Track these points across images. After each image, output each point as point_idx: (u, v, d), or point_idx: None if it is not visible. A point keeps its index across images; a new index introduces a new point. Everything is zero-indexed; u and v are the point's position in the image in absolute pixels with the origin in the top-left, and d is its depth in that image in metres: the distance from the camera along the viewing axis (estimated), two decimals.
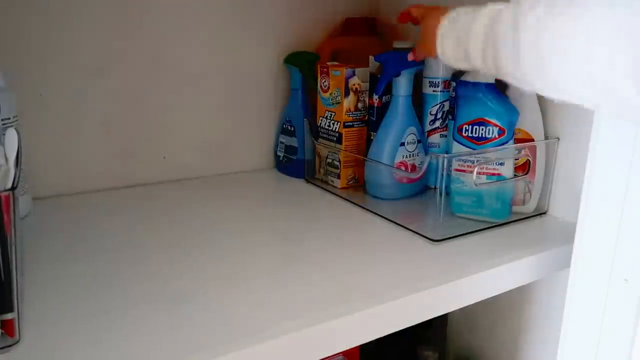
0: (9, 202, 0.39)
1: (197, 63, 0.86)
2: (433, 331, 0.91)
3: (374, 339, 0.50)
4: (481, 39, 0.50)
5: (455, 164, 0.70)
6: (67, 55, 0.75)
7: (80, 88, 0.77)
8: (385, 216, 0.71)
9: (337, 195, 0.81)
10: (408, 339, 0.87)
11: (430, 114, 0.82)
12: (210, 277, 0.54)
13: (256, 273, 0.55)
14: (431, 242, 0.63)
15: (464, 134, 0.70)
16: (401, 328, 0.52)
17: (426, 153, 0.81)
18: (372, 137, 0.82)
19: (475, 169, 0.67)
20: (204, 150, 0.90)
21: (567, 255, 0.56)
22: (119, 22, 0.78)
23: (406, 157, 0.78)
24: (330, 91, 0.83)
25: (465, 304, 0.57)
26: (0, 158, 0.45)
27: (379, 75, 0.80)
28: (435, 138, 0.83)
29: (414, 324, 0.52)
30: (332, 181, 0.86)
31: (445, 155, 0.66)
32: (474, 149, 0.69)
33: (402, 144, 0.78)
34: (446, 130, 0.82)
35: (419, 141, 0.79)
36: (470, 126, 0.69)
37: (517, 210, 0.73)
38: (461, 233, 0.66)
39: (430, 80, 0.81)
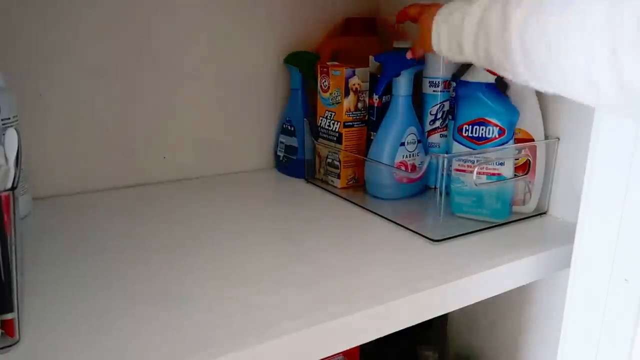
0: (9, 202, 0.39)
1: (197, 63, 0.86)
2: (433, 331, 0.91)
3: (374, 339, 0.50)
4: (473, 32, 0.52)
5: (456, 164, 0.70)
6: (67, 56, 0.75)
7: (80, 88, 0.77)
8: (385, 216, 0.71)
9: (337, 195, 0.81)
10: (408, 339, 0.87)
11: (430, 114, 0.82)
12: (210, 277, 0.54)
13: (256, 273, 0.55)
14: (431, 242, 0.63)
15: (464, 134, 0.70)
16: (401, 328, 0.52)
17: (426, 153, 0.81)
18: (372, 137, 0.82)
19: (476, 169, 0.67)
20: (204, 150, 0.90)
21: (567, 255, 0.56)
22: (119, 22, 0.78)
23: (406, 157, 0.78)
24: (330, 91, 0.83)
25: (465, 304, 0.57)
26: (0, 158, 0.45)
27: (379, 75, 0.80)
28: (435, 138, 0.83)
29: (414, 324, 0.52)
30: (332, 181, 0.86)
31: (445, 155, 0.66)
32: (474, 149, 0.69)
33: (402, 144, 0.78)
34: (446, 130, 0.82)
35: (419, 141, 0.79)
36: (470, 126, 0.69)
37: (517, 210, 0.73)
38: (461, 233, 0.66)
39: (430, 80, 0.81)
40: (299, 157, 0.90)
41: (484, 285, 0.58)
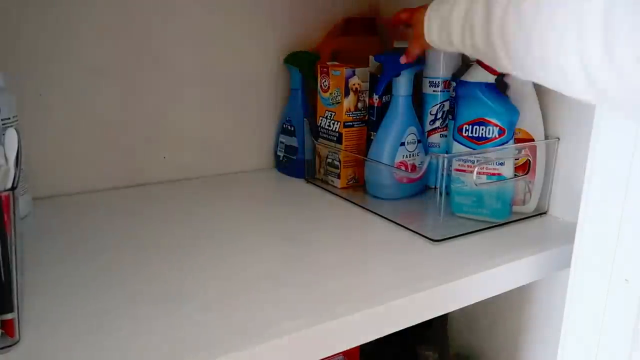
0: (9, 202, 0.39)
1: (197, 63, 0.86)
2: (433, 331, 0.91)
3: (374, 339, 0.50)
4: (460, 24, 0.54)
5: (456, 164, 0.70)
6: (67, 55, 0.75)
7: (80, 88, 0.77)
8: (385, 216, 0.71)
9: (337, 195, 0.81)
10: (408, 339, 0.87)
11: (431, 114, 0.82)
12: (210, 277, 0.54)
13: (256, 273, 0.55)
14: (431, 242, 0.63)
15: (464, 133, 0.70)
16: (401, 328, 0.52)
17: (426, 153, 0.81)
18: (372, 137, 0.82)
19: (476, 169, 0.67)
20: (204, 150, 0.90)
21: (567, 255, 0.56)
22: (119, 22, 0.78)
23: (406, 157, 0.78)
24: (330, 91, 0.83)
25: (465, 304, 0.57)
26: (0, 158, 0.45)
27: (379, 75, 0.80)
28: (435, 138, 0.83)
29: (414, 324, 0.52)
30: (332, 181, 0.85)
31: (446, 155, 0.66)
32: (474, 149, 0.69)
33: (402, 144, 0.78)
34: (446, 130, 0.82)
35: (419, 141, 0.79)
36: (470, 126, 0.69)
37: (517, 210, 0.73)
38: (461, 233, 0.66)
39: (430, 80, 0.81)
40: (299, 157, 0.90)
41: (484, 285, 0.58)
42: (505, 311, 0.81)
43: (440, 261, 0.59)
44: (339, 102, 0.82)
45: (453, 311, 0.60)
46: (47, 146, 0.76)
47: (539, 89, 0.70)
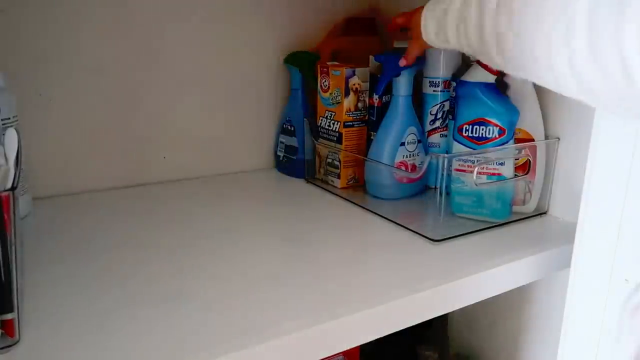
0: (9, 202, 0.39)
1: (197, 63, 0.86)
2: (433, 331, 0.91)
3: (374, 339, 0.50)
4: (455, 23, 0.55)
5: (456, 164, 0.70)
6: (67, 55, 0.75)
7: (80, 88, 0.77)
8: (385, 216, 0.71)
9: (337, 195, 0.81)
10: (408, 339, 0.87)
11: (431, 114, 0.82)
12: (210, 277, 0.54)
13: (256, 273, 0.55)
14: (431, 242, 0.63)
15: (464, 133, 0.70)
16: (401, 328, 0.52)
17: (426, 153, 0.81)
18: (372, 137, 0.82)
19: (476, 169, 0.67)
20: (204, 150, 0.90)
21: (567, 255, 0.56)
22: (118, 22, 0.78)
23: (406, 157, 0.78)
24: (330, 91, 0.83)
25: (465, 304, 0.57)
26: (0, 158, 0.45)
27: (379, 75, 0.80)
28: (435, 138, 0.83)
29: (414, 324, 0.52)
30: (332, 181, 0.86)
31: (446, 155, 0.66)
32: (474, 149, 0.69)
33: (402, 144, 0.78)
34: (446, 130, 0.82)
35: (419, 141, 0.79)
36: (470, 126, 0.69)
37: (517, 210, 0.73)
38: (461, 233, 0.66)
39: (431, 80, 0.81)
40: (299, 157, 0.90)
41: (484, 285, 0.58)
42: (505, 311, 0.81)
43: (440, 261, 0.59)
44: (339, 102, 0.82)
45: (453, 311, 0.60)
46: (47, 146, 0.76)
47: (539, 89, 0.70)
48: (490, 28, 0.48)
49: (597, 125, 0.51)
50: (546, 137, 0.72)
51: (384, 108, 0.80)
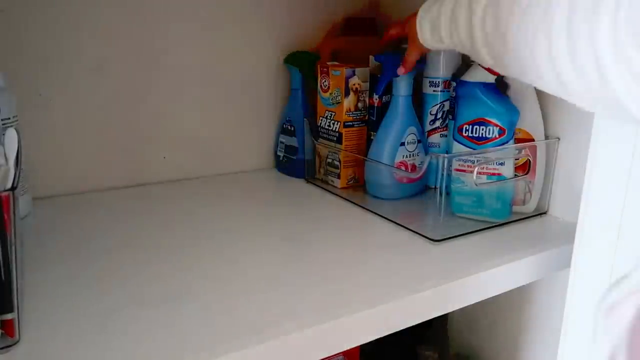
0: (9, 202, 0.39)
1: (197, 63, 0.86)
2: (433, 331, 0.91)
3: (374, 339, 0.50)
4: (447, 25, 0.57)
5: (456, 164, 0.70)
6: (67, 55, 0.75)
7: (80, 88, 0.77)
8: (385, 216, 0.71)
9: (337, 195, 0.81)
10: (408, 339, 0.87)
11: (431, 114, 0.82)
12: (210, 277, 0.54)
13: (256, 273, 0.55)
14: (431, 242, 0.63)
15: (464, 133, 0.70)
16: (401, 328, 0.52)
17: (426, 153, 0.81)
18: (372, 137, 0.82)
19: (476, 169, 0.67)
20: (204, 150, 0.90)
21: (567, 255, 0.56)
22: (118, 22, 0.78)
23: (406, 157, 0.78)
24: (330, 91, 0.83)
25: (465, 304, 0.57)
26: (0, 158, 0.45)
27: (379, 75, 0.80)
28: (435, 138, 0.83)
29: (414, 324, 0.52)
30: (332, 181, 0.86)
31: (446, 155, 0.66)
32: (474, 149, 0.69)
33: (402, 144, 0.78)
34: (446, 130, 0.82)
35: (419, 141, 0.79)
36: (470, 126, 0.69)
37: (517, 210, 0.73)
38: (461, 233, 0.66)
39: (431, 80, 0.81)
40: (299, 157, 0.90)
41: (484, 285, 0.58)
42: (505, 311, 0.81)
43: (440, 261, 0.59)
44: (339, 102, 0.82)
45: (453, 311, 0.60)
46: (47, 146, 0.76)
47: (539, 89, 0.70)
48: (479, 28, 0.49)
49: (597, 125, 0.51)
50: (546, 137, 0.72)
51: (384, 108, 0.80)
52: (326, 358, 0.49)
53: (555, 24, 0.38)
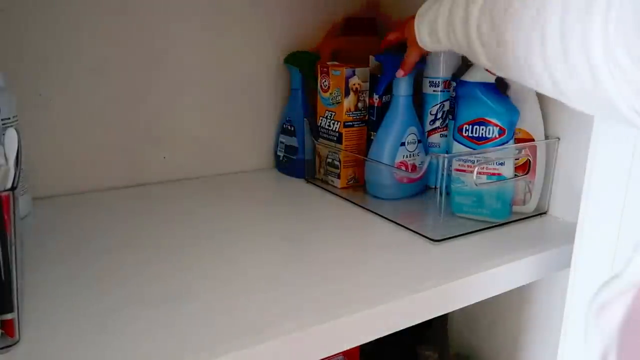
0: (9, 202, 0.39)
1: (197, 63, 0.86)
2: (433, 331, 0.91)
3: (374, 339, 0.50)
4: (444, 27, 0.57)
5: (456, 164, 0.70)
6: (67, 55, 0.75)
7: (80, 88, 0.77)
8: (386, 216, 0.71)
9: (337, 195, 0.81)
10: (408, 339, 0.87)
11: (431, 114, 0.82)
12: (211, 277, 0.54)
13: (256, 273, 0.55)
14: (431, 242, 0.63)
15: (464, 133, 0.70)
16: (401, 328, 0.52)
17: (426, 153, 0.81)
18: (372, 137, 0.82)
19: (476, 169, 0.67)
20: (204, 150, 0.90)
21: (567, 255, 0.56)
22: (118, 22, 0.78)
23: (406, 157, 0.78)
24: (330, 91, 0.83)
25: (465, 304, 0.57)
26: (0, 158, 0.45)
27: (379, 75, 0.80)
28: (435, 138, 0.83)
29: (414, 324, 0.52)
30: (332, 181, 0.86)
31: (446, 155, 0.66)
32: (474, 149, 0.69)
33: (403, 144, 0.78)
34: (446, 130, 0.82)
35: (419, 141, 0.79)
36: (470, 126, 0.69)
37: (517, 210, 0.73)
38: (461, 233, 0.66)
39: (431, 80, 0.81)
40: (299, 157, 0.90)
41: (484, 285, 0.58)
42: (505, 311, 0.81)
43: (440, 261, 0.59)
44: (339, 102, 0.82)
45: (453, 311, 0.60)
46: (47, 146, 0.76)
47: None
48: (475, 29, 0.49)
49: (597, 125, 0.51)
50: (546, 137, 0.72)
51: (384, 108, 0.80)
52: (326, 358, 0.49)
53: (549, 24, 0.38)
